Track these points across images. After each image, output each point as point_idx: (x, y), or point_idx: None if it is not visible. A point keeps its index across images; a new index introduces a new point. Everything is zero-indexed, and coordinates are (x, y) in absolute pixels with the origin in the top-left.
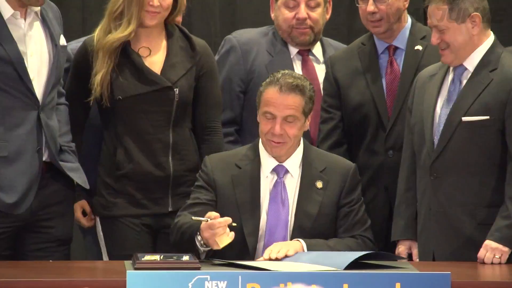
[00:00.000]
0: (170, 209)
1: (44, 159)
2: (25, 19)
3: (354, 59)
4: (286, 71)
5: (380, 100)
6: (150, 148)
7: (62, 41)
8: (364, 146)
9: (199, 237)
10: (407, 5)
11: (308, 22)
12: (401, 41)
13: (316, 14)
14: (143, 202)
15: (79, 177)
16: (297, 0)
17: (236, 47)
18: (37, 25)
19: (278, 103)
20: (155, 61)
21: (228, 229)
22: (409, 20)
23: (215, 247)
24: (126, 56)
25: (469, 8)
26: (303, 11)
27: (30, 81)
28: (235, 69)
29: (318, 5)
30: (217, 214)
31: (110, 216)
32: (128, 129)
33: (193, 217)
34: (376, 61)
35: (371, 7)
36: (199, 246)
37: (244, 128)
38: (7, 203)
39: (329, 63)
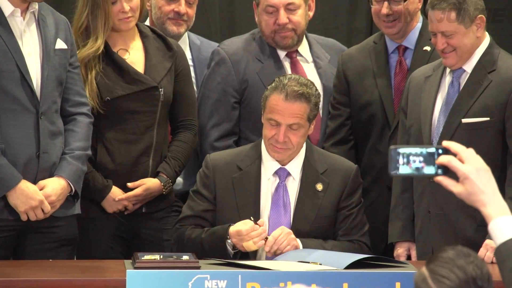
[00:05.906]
0: (143, 210)
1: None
2: (24, 18)
3: (365, 57)
4: (293, 76)
5: (387, 100)
6: (133, 148)
7: (59, 44)
8: (370, 145)
9: (229, 241)
10: (420, 6)
11: (290, 25)
12: (411, 41)
13: (298, 16)
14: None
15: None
16: (276, 6)
17: (225, 59)
18: (33, 26)
19: (283, 111)
20: (136, 62)
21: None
22: (421, 19)
23: (243, 250)
24: (109, 58)
25: (474, 11)
26: (283, 17)
27: (31, 80)
28: (228, 80)
29: (298, 7)
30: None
31: (83, 217)
32: (113, 130)
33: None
34: (386, 61)
35: (385, 10)
36: (230, 249)
37: (242, 137)
38: None
39: (341, 61)
